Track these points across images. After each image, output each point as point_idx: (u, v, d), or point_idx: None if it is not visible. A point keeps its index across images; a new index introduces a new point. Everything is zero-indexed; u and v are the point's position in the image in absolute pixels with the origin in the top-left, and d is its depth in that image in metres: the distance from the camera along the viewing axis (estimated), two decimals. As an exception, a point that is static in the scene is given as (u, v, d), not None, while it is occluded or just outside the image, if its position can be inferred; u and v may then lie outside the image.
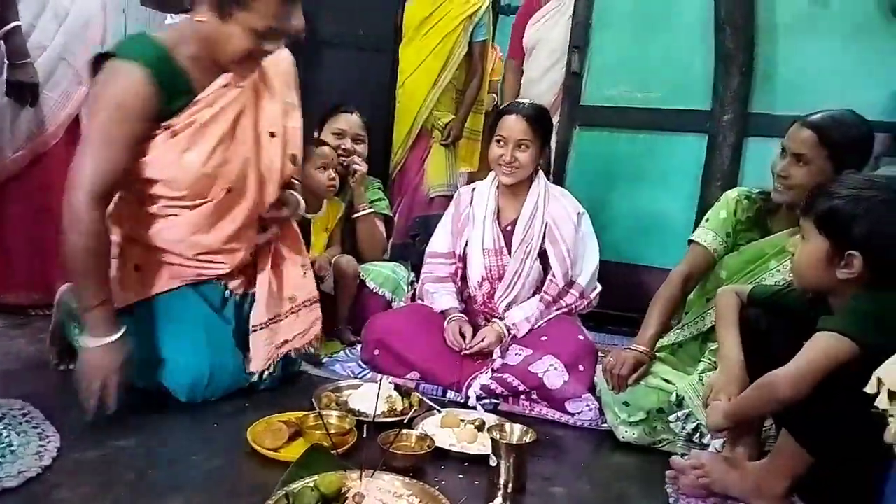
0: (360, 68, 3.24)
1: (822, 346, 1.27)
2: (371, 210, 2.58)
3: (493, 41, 3.56)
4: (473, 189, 2.35)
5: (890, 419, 0.78)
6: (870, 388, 0.83)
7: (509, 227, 2.24)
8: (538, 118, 2.18)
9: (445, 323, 2.19)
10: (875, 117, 2.19)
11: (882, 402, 0.81)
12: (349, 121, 2.59)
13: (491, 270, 2.22)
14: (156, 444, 1.57)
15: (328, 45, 3.08)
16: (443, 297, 2.25)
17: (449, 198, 3.21)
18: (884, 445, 0.93)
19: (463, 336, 2.14)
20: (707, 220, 1.94)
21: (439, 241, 2.36)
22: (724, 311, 1.61)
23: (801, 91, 2.55)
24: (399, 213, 3.25)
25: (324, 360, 2.22)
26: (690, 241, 1.96)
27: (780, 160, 1.78)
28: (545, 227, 2.20)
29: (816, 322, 1.33)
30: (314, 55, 3.03)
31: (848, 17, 2.50)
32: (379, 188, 2.71)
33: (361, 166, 2.51)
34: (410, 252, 3.14)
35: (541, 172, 2.28)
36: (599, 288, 2.25)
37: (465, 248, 2.30)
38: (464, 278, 2.33)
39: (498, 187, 2.27)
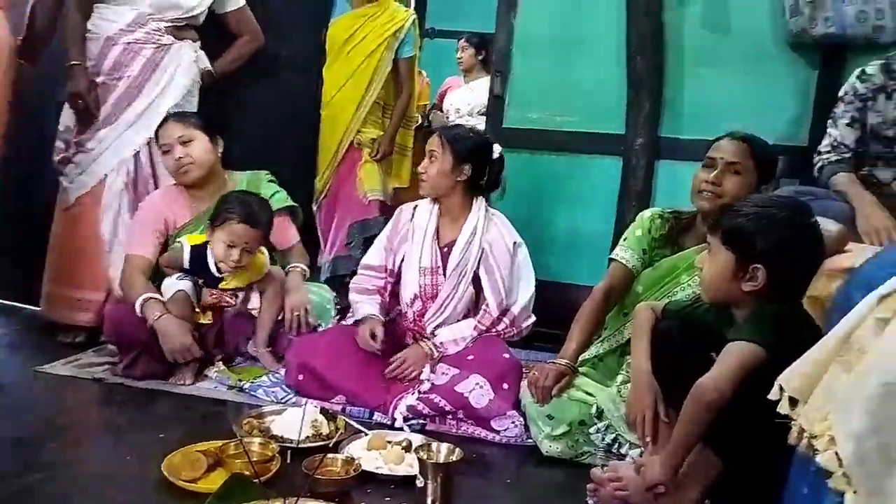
0: (284, 89, 3.21)
1: (736, 354, 1.34)
2: (298, 266, 2.47)
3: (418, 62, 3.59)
4: (415, 207, 2.35)
5: (792, 424, 0.84)
6: (773, 395, 0.88)
7: (446, 249, 2.25)
8: (455, 140, 2.22)
9: (359, 328, 2.17)
10: (774, 141, 2.35)
11: (783, 408, 0.86)
12: (165, 131, 2.39)
13: (425, 289, 2.23)
14: (65, 479, 1.48)
15: (250, 64, 3.03)
16: (364, 307, 2.24)
17: (385, 204, 3.24)
18: (788, 447, 0.98)
19: (374, 337, 2.13)
20: (625, 238, 2.03)
21: (373, 254, 2.36)
22: (638, 326, 1.68)
23: (706, 117, 2.69)
24: (335, 227, 3.19)
25: (245, 387, 2.16)
26: (610, 259, 2.04)
27: (707, 172, 1.88)
28: (481, 253, 2.22)
29: (722, 332, 1.41)
30: (237, 76, 2.97)
31: (748, 47, 2.67)
32: (271, 181, 2.57)
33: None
34: (350, 262, 3.08)
35: (481, 198, 2.30)
36: (533, 318, 2.26)
37: (400, 265, 2.30)
38: (395, 295, 2.32)
39: (439, 208, 2.29)
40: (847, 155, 2.17)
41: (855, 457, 0.72)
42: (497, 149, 2.30)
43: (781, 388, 0.87)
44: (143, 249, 2.32)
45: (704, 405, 1.35)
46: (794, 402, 0.84)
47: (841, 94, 2.22)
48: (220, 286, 2.30)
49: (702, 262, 1.52)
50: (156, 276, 2.32)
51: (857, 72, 2.18)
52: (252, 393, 2.13)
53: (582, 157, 2.89)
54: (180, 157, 2.34)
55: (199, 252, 2.26)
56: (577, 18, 2.84)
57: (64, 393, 2.05)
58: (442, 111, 4.39)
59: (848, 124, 2.16)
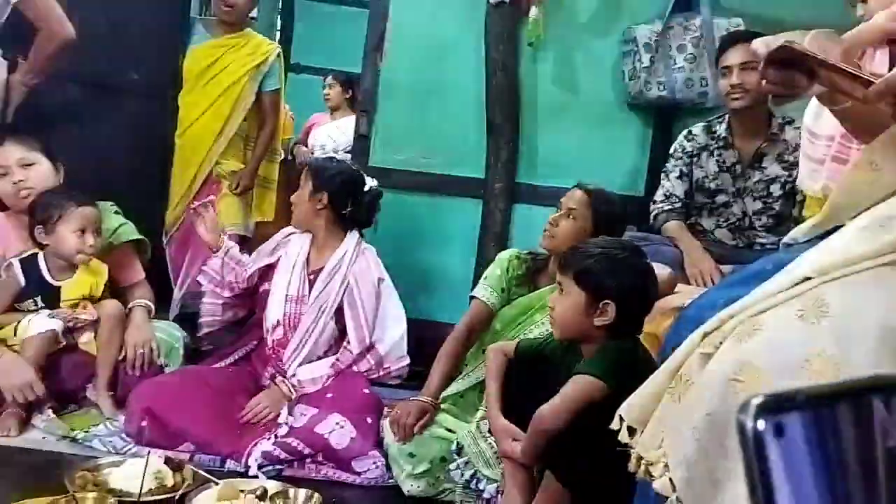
0: (133, 114, 3.03)
1: (577, 387, 1.45)
2: (142, 301, 2.31)
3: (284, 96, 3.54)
4: (291, 234, 2.35)
5: (631, 452, 0.90)
6: (614, 425, 0.95)
7: (313, 277, 2.23)
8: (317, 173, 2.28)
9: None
10: (616, 190, 2.56)
11: (623, 437, 0.93)
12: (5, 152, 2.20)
13: (289, 318, 2.20)
14: None
15: (96, 88, 2.83)
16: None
17: (245, 238, 3.11)
18: (631, 474, 1.05)
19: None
20: (485, 277, 2.11)
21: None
22: (490, 369, 1.74)
23: (557, 165, 2.90)
24: (188, 263, 3.01)
25: (79, 437, 1.96)
26: (471, 297, 2.10)
27: (554, 216, 2.02)
28: (346, 286, 2.21)
29: (571, 368, 1.50)
30: (86, 101, 2.76)
31: (593, 105, 2.92)
32: (116, 212, 2.41)
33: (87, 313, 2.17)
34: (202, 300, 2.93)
35: (354, 232, 2.30)
36: (407, 360, 2.24)
37: (256, 286, 2.30)
38: (257, 324, 2.29)
39: (311, 239, 2.29)
40: (678, 205, 2.42)
41: (685, 481, 0.79)
42: (370, 182, 2.32)
43: (621, 419, 0.94)
44: None
45: (541, 432, 1.46)
46: (632, 431, 0.91)
47: (671, 150, 2.48)
48: (62, 297, 2.13)
49: (553, 301, 1.62)
50: None
51: (684, 132, 2.45)
52: (86, 443, 1.94)
53: (445, 199, 2.98)
54: (20, 181, 2.15)
55: (29, 264, 2.14)
56: (440, 65, 2.96)
57: None
58: (306, 146, 4.35)
59: (678, 177, 2.41)
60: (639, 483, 0.99)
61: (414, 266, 2.95)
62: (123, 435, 1.99)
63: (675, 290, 1.92)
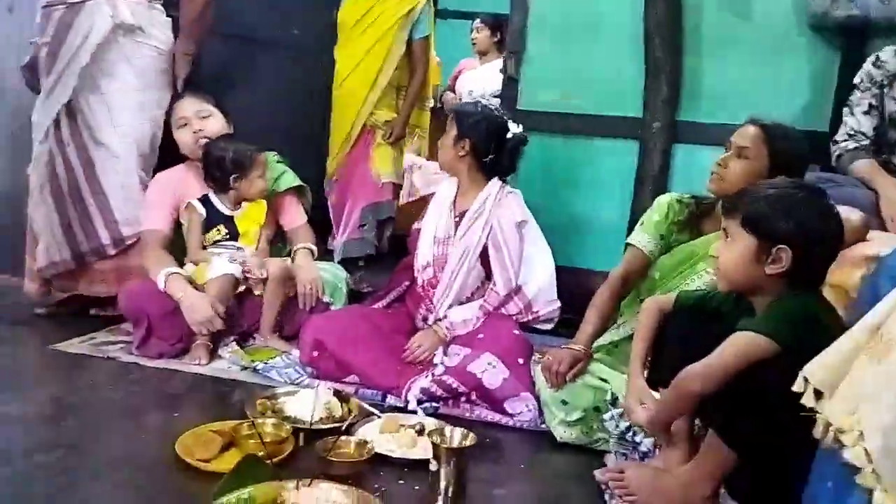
0: (295, 70, 3.17)
1: (736, 344, 1.30)
2: (305, 245, 2.48)
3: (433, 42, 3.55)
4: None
5: (818, 416, 0.82)
6: (797, 387, 0.86)
7: (458, 219, 2.27)
8: (458, 115, 2.28)
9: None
10: (795, 126, 2.30)
11: (808, 401, 0.84)
12: (184, 105, 2.45)
13: (437, 259, 2.26)
14: (76, 459, 1.49)
15: (262, 47, 2.99)
16: None
17: (398, 186, 3.23)
18: (810, 440, 0.96)
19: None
20: (642, 223, 2.00)
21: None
22: (641, 324, 1.64)
23: (725, 101, 2.65)
24: (349, 210, 3.18)
25: (258, 367, 2.16)
26: (627, 244, 2.01)
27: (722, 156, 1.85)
28: (489, 229, 2.21)
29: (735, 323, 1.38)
30: (248, 57, 2.94)
31: (767, 31, 2.61)
32: (279, 161, 2.60)
33: (258, 272, 2.33)
34: (363, 245, 3.09)
35: (496, 178, 2.29)
36: (557, 304, 2.23)
37: (415, 228, 2.37)
38: (410, 265, 2.36)
39: (457, 183, 2.32)
40: (865, 143, 2.13)
41: (884, 452, 0.70)
42: (514, 129, 2.27)
43: (806, 380, 0.85)
44: (159, 223, 2.38)
45: (684, 393, 1.35)
46: (818, 394, 0.82)
47: (856, 81, 2.17)
48: (239, 227, 2.38)
49: (717, 249, 1.49)
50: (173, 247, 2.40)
51: (871, 58, 2.13)
52: (265, 374, 2.13)
53: (597, 141, 2.85)
54: (199, 131, 2.38)
55: (204, 202, 2.39)
56: (593, -1, 2.79)
57: (78, 371, 2.05)
58: (454, 93, 4.35)
59: (865, 112, 2.12)
60: (821, 450, 0.90)
61: (565, 212, 2.88)
62: (297, 367, 2.16)
63: (868, 237, 1.68)
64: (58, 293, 2.57)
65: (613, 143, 2.83)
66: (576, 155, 2.88)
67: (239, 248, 2.39)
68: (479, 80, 4.16)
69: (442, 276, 2.23)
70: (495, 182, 2.28)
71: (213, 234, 2.39)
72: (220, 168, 2.36)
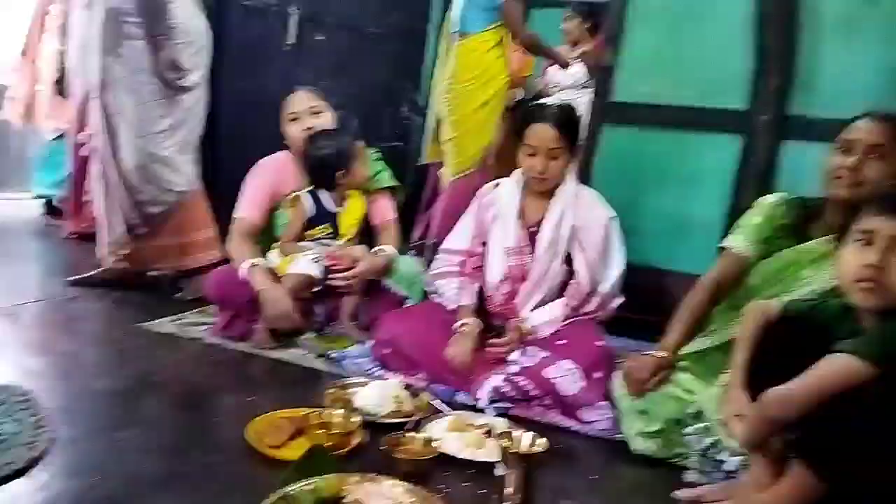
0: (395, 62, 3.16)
1: (828, 368, 1.20)
2: (385, 249, 2.43)
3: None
4: (496, 185, 2.28)
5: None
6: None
7: (533, 228, 2.17)
8: (568, 123, 2.12)
9: (451, 340, 2.06)
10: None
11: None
12: (297, 100, 2.47)
13: (513, 271, 2.15)
14: (154, 436, 1.54)
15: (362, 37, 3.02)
16: (459, 293, 2.18)
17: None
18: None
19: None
20: (740, 225, 1.84)
21: (456, 237, 2.29)
22: (745, 330, 1.51)
23: (844, 94, 2.39)
24: (442, 215, 3.17)
25: (333, 356, 2.17)
26: (722, 247, 1.86)
27: (844, 157, 1.66)
28: (572, 232, 2.13)
29: (851, 336, 1.23)
30: (353, 49, 2.97)
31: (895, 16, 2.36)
32: (378, 159, 2.60)
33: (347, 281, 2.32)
34: None
35: (571, 173, 2.20)
36: (622, 299, 2.17)
37: (484, 247, 2.24)
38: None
39: (523, 187, 2.20)
40: None
41: None
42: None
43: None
44: (252, 213, 2.43)
45: (765, 419, 1.26)
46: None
47: None
48: (341, 224, 2.41)
49: (852, 257, 1.32)
50: (264, 238, 2.45)
51: None
52: (339, 362, 2.14)
53: (695, 135, 2.67)
54: (310, 128, 2.41)
55: (313, 197, 2.40)
56: (699, -18, 2.62)
57: (163, 350, 2.13)
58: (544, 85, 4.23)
59: None
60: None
61: (657, 210, 2.72)
62: (371, 358, 2.15)
63: None
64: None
65: (713, 137, 2.65)
66: (671, 149, 2.72)
67: (330, 245, 2.39)
68: (570, 71, 4.01)
69: (522, 287, 2.14)
70: (572, 180, 2.18)
71: (317, 231, 2.40)
72: (324, 165, 2.37)
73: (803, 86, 2.49)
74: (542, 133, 2.08)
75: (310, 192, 2.41)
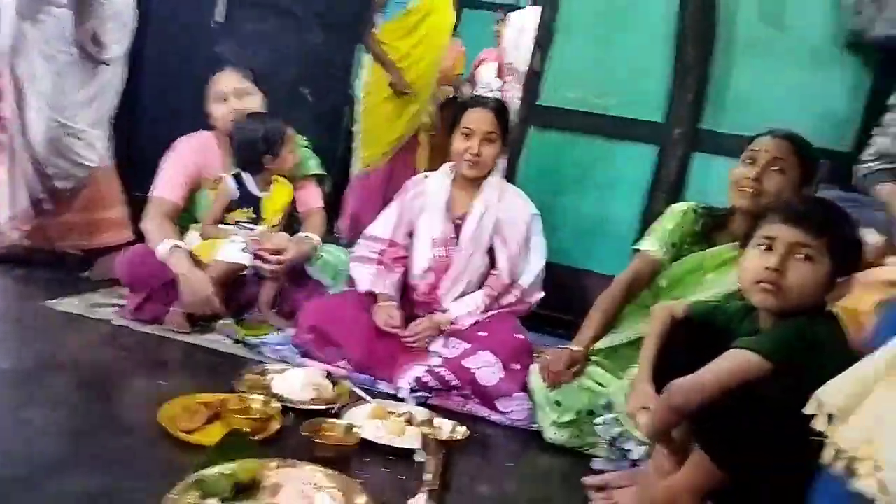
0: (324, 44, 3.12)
1: (729, 361, 1.27)
2: (311, 238, 2.39)
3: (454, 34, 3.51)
4: (426, 177, 2.30)
5: (828, 441, 0.78)
6: (809, 410, 0.82)
7: (459, 220, 2.20)
8: (503, 113, 2.19)
9: (375, 308, 2.14)
10: (818, 144, 2.24)
11: (820, 425, 0.80)
12: (224, 79, 2.40)
13: (437, 261, 2.19)
14: (61, 417, 1.47)
15: (288, 17, 2.96)
16: (377, 282, 2.19)
17: None
18: (803, 464, 0.92)
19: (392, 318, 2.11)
20: (654, 229, 1.96)
21: (380, 225, 2.30)
22: (653, 328, 1.59)
23: (750, 112, 2.58)
24: (360, 207, 3.16)
25: (251, 342, 2.13)
26: (636, 250, 1.97)
27: (749, 168, 1.79)
28: (495, 225, 2.18)
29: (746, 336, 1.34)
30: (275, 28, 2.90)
31: (802, 43, 2.54)
32: (305, 146, 2.57)
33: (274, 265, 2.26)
34: None
35: (498, 169, 2.26)
36: (542, 294, 2.24)
37: (409, 238, 2.26)
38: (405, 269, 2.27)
39: (453, 180, 2.23)
40: (893, 166, 2.07)
41: (899, 485, 0.67)
42: None
43: (820, 404, 0.81)
44: (173, 193, 2.34)
45: (669, 405, 1.31)
46: (831, 419, 0.79)
47: (892, 101, 2.11)
48: (264, 209, 2.35)
49: (752, 262, 1.42)
50: (182, 217, 2.39)
51: None
52: (258, 350, 2.10)
53: (616, 143, 2.79)
54: (236, 109, 2.35)
55: (237, 180, 2.35)
56: (627, -4, 2.74)
57: (69, 331, 2.03)
58: (473, 84, 4.30)
59: None
60: (824, 475, 0.86)
61: (575, 212, 2.83)
62: (291, 345, 2.13)
63: (886, 261, 1.63)
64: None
65: (632, 147, 2.78)
66: (593, 154, 2.83)
67: (252, 229, 2.34)
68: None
69: (445, 277, 2.18)
70: (497, 177, 2.25)
71: (238, 214, 2.35)
72: (251, 148, 2.31)
73: (715, 102, 2.66)
74: (480, 116, 2.13)
75: (234, 174, 2.35)
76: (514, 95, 4.01)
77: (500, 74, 4.13)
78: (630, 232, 2.60)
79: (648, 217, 2.49)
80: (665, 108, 2.68)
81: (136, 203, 2.52)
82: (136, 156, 2.86)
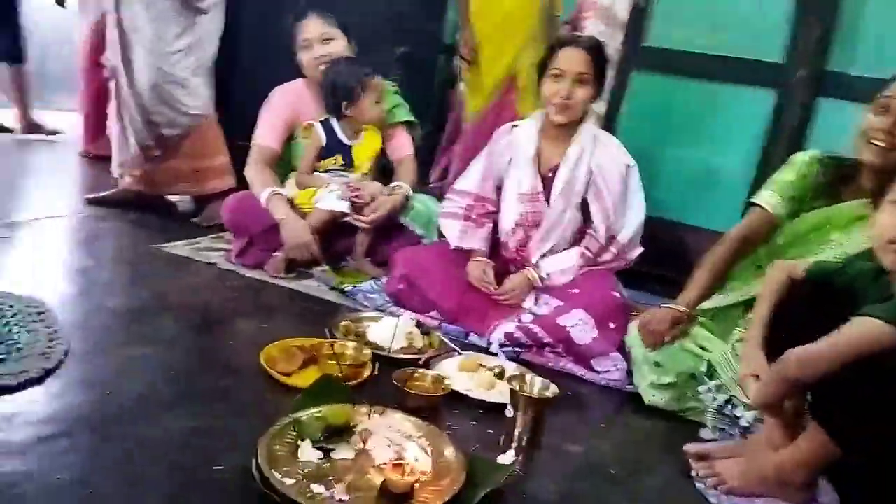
0: None
1: (856, 330, 1.16)
2: (402, 186, 2.37)
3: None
4: (514, 127, 2.19)
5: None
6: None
7: (550, 173, 2.09)
8: (599, 53, 2.03)
9: (469, 265, 2.10)
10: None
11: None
12: (309, 26, 2.39)
13: (526, 217, 2.10)
14: (168, 357, 1.54)
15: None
16: (469, 238, 2.15)
17: None
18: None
19: (485, 274, 2.07)
20: (772, 182, 1.78)
21: (469, 180, 2.23)
22: (768, 287, 1.48)
23: (885, 50, 2.31)
24: (459, 158, 3.08)
25: (346, 290, 2.16)
26: (751, 203, 1.81)
27: (879, 117, 1.58)
28: (590, 177, 2.06)
29: (879, 301, 1.20)
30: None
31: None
32: (395, 93, 2.54)
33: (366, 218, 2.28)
34: None
35: (593, 116, 2.13)
36: (641, 249, 2.12)
37: (499, 192, 2.18)
38: (495, 223, 2.21)
39: (541, 130, 2.12)
40: None
41: None
42: None
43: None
44: (271, 140, 2.40)
45: (782, 377, 1.22)
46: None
47: None
48: (355, 157, 2.36)
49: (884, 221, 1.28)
50: (280, 167, 2.43)
51: None
52: (352, 296, 2.14)
53: (728, 87, 2.59)
54: (320, 56, 2.34)
55: (326, 127, 2.35)
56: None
57: (178, 273, 2.13)
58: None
59: None
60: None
61: (682, 163, 2.67)
62: (384, 294, 2.15)
63: None
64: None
65: (747, 91, 2.57)
66: (701, 100, 2.65)
67: (345, 177, 2.35)
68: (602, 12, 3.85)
69: (535, 233, 2.09)
70: (591, 125, 2.11)
71: (329, 163, 2.37)
72: (333, 94, 2.32)
73: (844, 40, 2.39)
74: (571, 55, 1.99)
75: (322, 121, 2.36)
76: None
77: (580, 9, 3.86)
78: (743, 185, 2.43)
79: (764, 169, 2.31)
80: (786, 46, 2.45)
81: (236, 151, 2.59)
82: (235, 104, 2.92)
